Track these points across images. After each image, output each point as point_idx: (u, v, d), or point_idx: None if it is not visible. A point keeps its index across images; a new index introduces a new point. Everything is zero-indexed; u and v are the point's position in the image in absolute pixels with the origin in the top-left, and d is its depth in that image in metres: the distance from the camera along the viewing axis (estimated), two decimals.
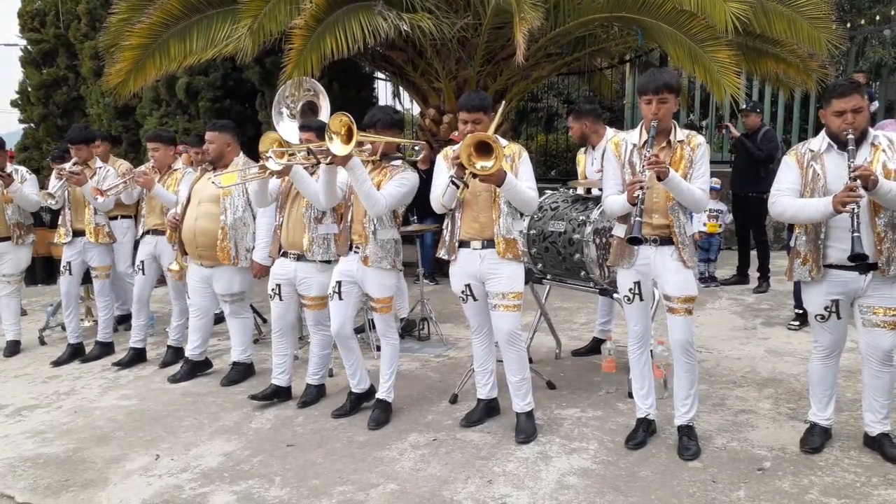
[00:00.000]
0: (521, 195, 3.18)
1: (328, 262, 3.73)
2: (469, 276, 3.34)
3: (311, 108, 4.95)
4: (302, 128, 3.94)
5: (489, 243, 3.26)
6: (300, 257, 3.75)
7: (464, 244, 3.32)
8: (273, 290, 3.86)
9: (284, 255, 3.82)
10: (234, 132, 4.24)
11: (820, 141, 2.95)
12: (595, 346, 4.56)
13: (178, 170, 4.79)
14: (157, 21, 6.52)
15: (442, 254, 3.41)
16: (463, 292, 3.38)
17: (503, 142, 3.31)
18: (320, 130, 3.87)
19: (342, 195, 3.57)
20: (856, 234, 2.66)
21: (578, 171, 4.59)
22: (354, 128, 3.06)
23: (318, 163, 3.41)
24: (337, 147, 3.08)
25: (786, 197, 2.95)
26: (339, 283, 3.55)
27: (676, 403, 3.18)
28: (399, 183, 3.41)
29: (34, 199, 5.01)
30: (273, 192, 3.80)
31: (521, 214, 3.38)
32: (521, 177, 3.22)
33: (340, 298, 3.55)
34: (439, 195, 3.23)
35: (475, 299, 3.38)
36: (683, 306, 3.04)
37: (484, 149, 3.03)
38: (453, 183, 3.14)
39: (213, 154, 4.14)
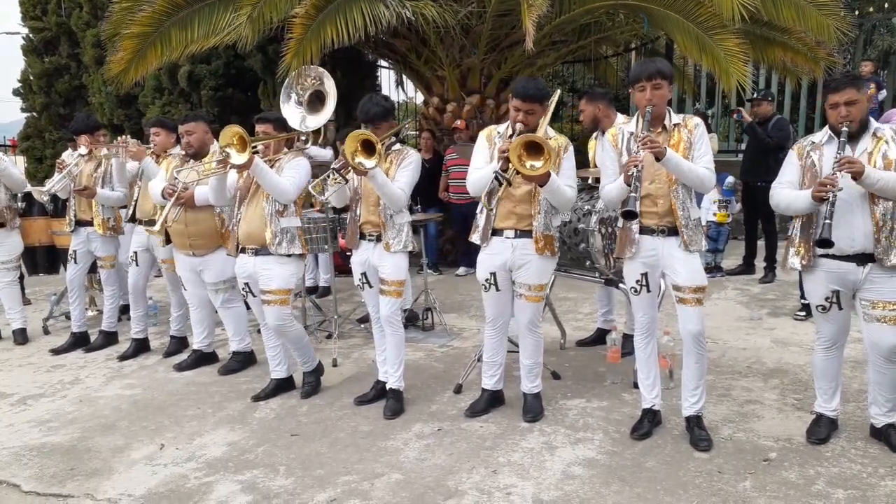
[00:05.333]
0: (559, 195, 3.13)
1: (290, 255, 3.64)
2: (497, 264, 3.30)
3: (318, 98, 4.92)
4: (259, 120, 3.85)
5: (523, 233, 3.24)
6: (258, 251, 3.66)
7: (497, 232, 3.30)
8: (243, 289, 3.83)
9: (243, 251, 3.73)
10: (207, 120, 4.27)
11: (823, 133, 2.97)
12: (599, 337, 4.55)
13: (173, 155, 4.77)
14: (158, 9, 6.48)
15: (474, 238, 3.38)
16: (487, 280, 3.35)
17: (551, 132, 3.26)
18: (277, 122, 3.89)
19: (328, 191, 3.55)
20: (826, 221, 2.68)
21: (589, 157, 4.50)
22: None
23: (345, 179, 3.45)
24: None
25: (783, 190, 2.98)
26: (363, 273, 3.60)
27: (685, 394, 3.15)
28: (406, 169, 3.44)
29: (20, 178, 5.06)
30: (231, 188, 3.74)
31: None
32: (563, 173, 3.17)
33: (370, 286, 3.62)
34: (475, 182, 3.19)
35: (497, 289, 3.35)
36: (694, 296, 3.01)
37: (535, 148, 2.95)
38: (497, 179, 3.04)
39: (196, 145, 4.10)
